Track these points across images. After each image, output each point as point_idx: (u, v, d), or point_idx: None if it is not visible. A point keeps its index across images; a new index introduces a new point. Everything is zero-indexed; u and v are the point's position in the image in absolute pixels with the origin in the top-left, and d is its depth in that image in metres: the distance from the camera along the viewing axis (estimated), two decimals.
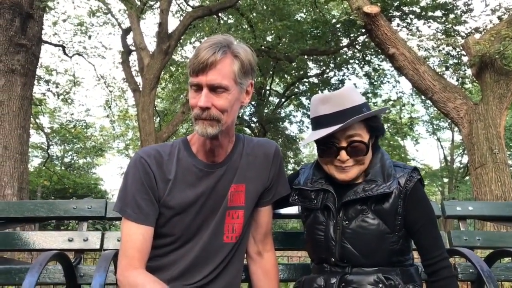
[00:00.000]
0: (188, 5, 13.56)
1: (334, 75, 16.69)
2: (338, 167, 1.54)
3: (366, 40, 13.66)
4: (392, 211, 1.51)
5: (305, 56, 14.81)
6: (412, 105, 21.16)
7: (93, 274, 1.53)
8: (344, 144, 1.51)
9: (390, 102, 17.44)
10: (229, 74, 1.40)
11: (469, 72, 9.90)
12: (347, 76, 16.45)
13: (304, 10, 14.46)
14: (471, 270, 1.96)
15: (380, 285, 1.44)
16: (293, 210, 1.97)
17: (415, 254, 1.68)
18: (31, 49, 7.00)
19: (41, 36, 7.57)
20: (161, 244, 1.52)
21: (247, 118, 18.14)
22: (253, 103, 17.11)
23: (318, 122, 1.55)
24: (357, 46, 14.87)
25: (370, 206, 1.52)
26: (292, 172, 1.91)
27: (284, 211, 1.95)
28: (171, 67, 14.01)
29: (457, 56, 10.97)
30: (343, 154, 1.51)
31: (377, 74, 16.09)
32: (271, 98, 19.40)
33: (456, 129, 18.53)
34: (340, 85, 15.60)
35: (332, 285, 1.48)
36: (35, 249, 2.03)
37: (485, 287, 1.52)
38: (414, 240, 1.55)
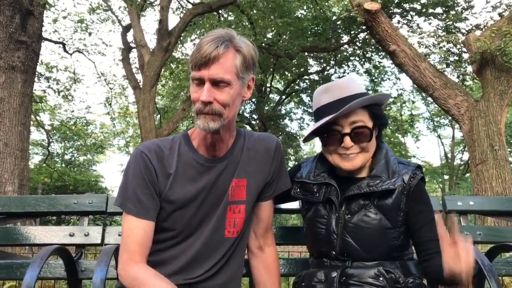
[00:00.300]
0: (189, 2, 13.55)
1: (335, 72, 16.67)
2: (342, 156, 1.54)
3: (366, 37, 13.64)
4: (395, 207, 1.51)
5: (306, 53, 14.78)
6: (413, 102, 21.19)
7: (94, 269, 1.53)
8: (347, 130, 1.51)
9: (391, 99, 17.42)
10: (231, 68, 1.39)
11: (469, 69, 9.90)
12: (348, 73, 16.43)
13: (305, 7, 14.41)
14: None
15: (381, 279, 1.44)
16: (294, 205, 1.97)
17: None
18: (31, 46, 7.00)
19: (41, 33, 7.56)
20: (163, 238, 1.52)
21: (247, 115, 18.13)
22: (253, 100, 17.10)
23: (320, 112, 1.55)
24: (357, 43, 14.84)
25: (373, 201, 1.52)
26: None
27: (285, 206, 1.95)
28: (171, 64, 13.99)
29: (457, 53, 10.95)
30: (347, 140, 1.51)
31: (377, 71, 16.06)
32: (271, 95, 19.39)
33: (456, 126, 18.54)
34: None
35: (333, 279, 1.48)
36: (36, 243, 2.03)
37: (486, 282, 1.52)
38: (413, 236, 1.54)
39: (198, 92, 1.39)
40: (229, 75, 1.38)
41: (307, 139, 1.72)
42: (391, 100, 17.54)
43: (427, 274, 1.51)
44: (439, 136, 25.37)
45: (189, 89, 1.48)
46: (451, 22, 10.96)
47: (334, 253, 1.53)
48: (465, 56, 10.06)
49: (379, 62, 15.66)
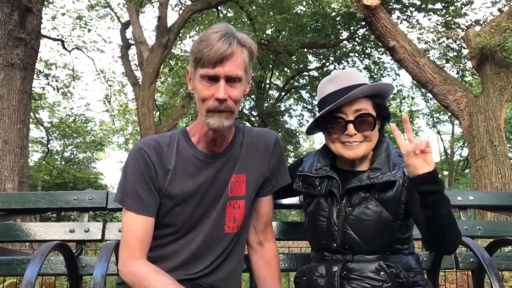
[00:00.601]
0: None
1: (334, 68, 16.64)
2: (345, 144, 1.55)
3: (366, 33, 13.62)
4: (395, 200, 1.51)
5: (305, 49, 14.77)
6: (412, 98, 21.17)
7: (94, 265, 1.53)
8: (351, 117, 1.53)
9: (390, 95, 17.38)
10: (242, 64, 1.41)
11: (469, 64, 9.88)
12: None
13: (304, 3, 14.39)
14: (471, 259, 1.97)
15: (382, 273, 1.44)
16: (294, 200, 1.97)
17: (415, 244, 1.68)
18: (30, 43, 6.97)
19: (40, 30, 7.53)
20: (163, 234, 1.52)
21: (247, 112, 18.13)
22: (252, 96, 17.10)
23: (325, 102, 1.57)
24: (357, 39, 14.82)
25: (374, 194, 1.52)
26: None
27: (285, 201, 1.96)
28: (170, 61, 13.98)
29: (457, 48, 10.93)
30: (351, 128, 1.52)
31: (377, 67, 16.05)
32: (271, 92, 19.38)
33: (456, 121, 18.53)
34: None
35: (334, 273, 1.48)
36: (36, 240, 2.03)
37: (486, 276, 1.52)
38: (414, 218, 1.51)
39: (211, 90, 1.39)
40: (241, 71, 1.40)
41: (310, 131, 1.72)
42: (390, 96, 17.49)
43: (425, 242, 1.52)
44: (438, 132, 25.39)
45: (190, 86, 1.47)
46: (450, 18, 10.94)
47: (335, 245, 1.53)
48: (465, 51, 10.05)
49: (379, 58, 15.66)
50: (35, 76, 8.92)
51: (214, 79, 1.38)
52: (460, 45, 10.56)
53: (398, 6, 12.12)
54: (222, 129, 1.42)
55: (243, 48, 1.42)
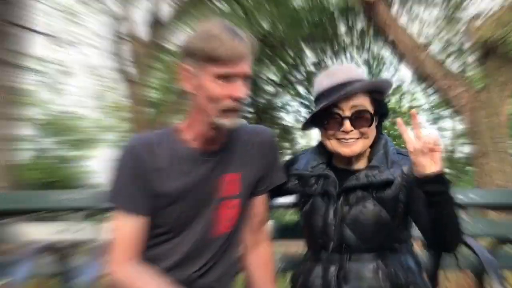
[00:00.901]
0: None
1: (332, 63, 16.64)
2: (341, 141, 1.51)
3: (365, 27, 13.60)
4: (394, 198, 1.48)
5: (302, 44, 14.74)
6: (412, 93, 21.17)
7: (86, 265, 1.52)
8: (348, 113, 1.49)
9: (389, 91, 17.41)
10: (251, 62, 1.43)
11: (470, 59, 9.88)
12: None
13: None
14: (472, 259, 1.94)
15: (380, 272, 1.43)
16: (291, 199, 1.93)
17: (414, 243, 1.66)
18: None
19: (26, 23, 7.45)
20: (154, 234, 1.49)
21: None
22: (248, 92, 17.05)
23: (322, 97, 1.54)
24: (355, 34, 14.80)
25: (371, 192, 1.50)
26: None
27: (281, 200, 1.92)
28: (164, 56, 13.95)
29: (458, 43, 10.92)
30: (347, 124, 1.49)
31: (376, 61, 16.04)
32: (267, 87, 19.35)
33: (457, 117, 18.55)
34: None
35: (331, 273, 1.47)
36: (27, 240, 2.02)
37: (487, 276, 1.51)
38: (413, 216, 1.50)
39: (226, 89, 1.37)
40: (251, 69, 1.42)
41: (307, 127, 1.69)
42: (389, 92, 17.51)
43: (425, 240, 1.50)
44: (439, 129, 25.45)
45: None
46: (451, 12, 10.92)
47: (332, 244, 1.51)
48: (466, 46, 10.03)
49: (378, 53, 15.64)
50: (26, 73, 8.87)
51: (230, 78, 1.37)
52: (461, 40, 10.55)
53: (398, 0, 12.10)
54: (235, 128, 1.43)
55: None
